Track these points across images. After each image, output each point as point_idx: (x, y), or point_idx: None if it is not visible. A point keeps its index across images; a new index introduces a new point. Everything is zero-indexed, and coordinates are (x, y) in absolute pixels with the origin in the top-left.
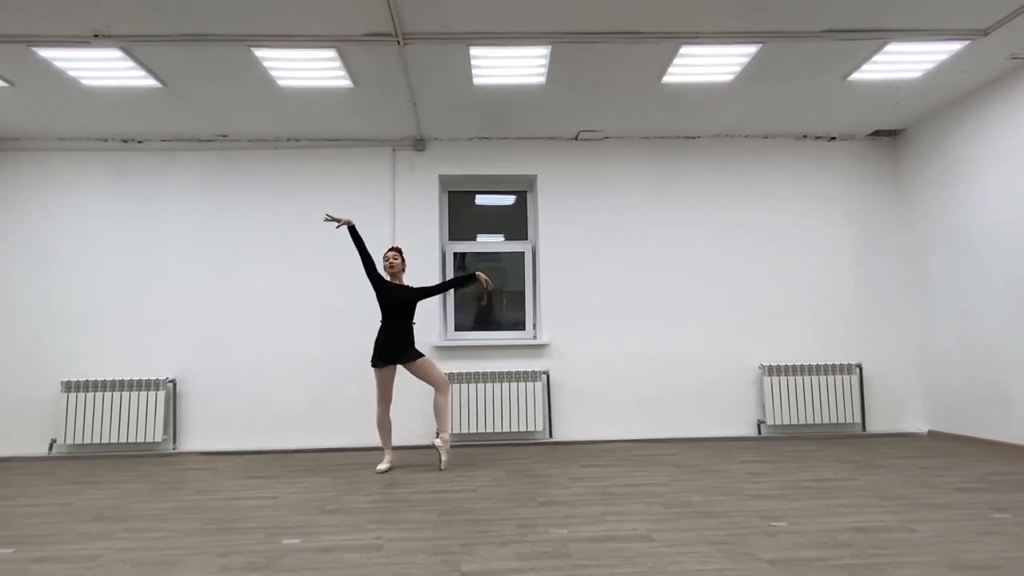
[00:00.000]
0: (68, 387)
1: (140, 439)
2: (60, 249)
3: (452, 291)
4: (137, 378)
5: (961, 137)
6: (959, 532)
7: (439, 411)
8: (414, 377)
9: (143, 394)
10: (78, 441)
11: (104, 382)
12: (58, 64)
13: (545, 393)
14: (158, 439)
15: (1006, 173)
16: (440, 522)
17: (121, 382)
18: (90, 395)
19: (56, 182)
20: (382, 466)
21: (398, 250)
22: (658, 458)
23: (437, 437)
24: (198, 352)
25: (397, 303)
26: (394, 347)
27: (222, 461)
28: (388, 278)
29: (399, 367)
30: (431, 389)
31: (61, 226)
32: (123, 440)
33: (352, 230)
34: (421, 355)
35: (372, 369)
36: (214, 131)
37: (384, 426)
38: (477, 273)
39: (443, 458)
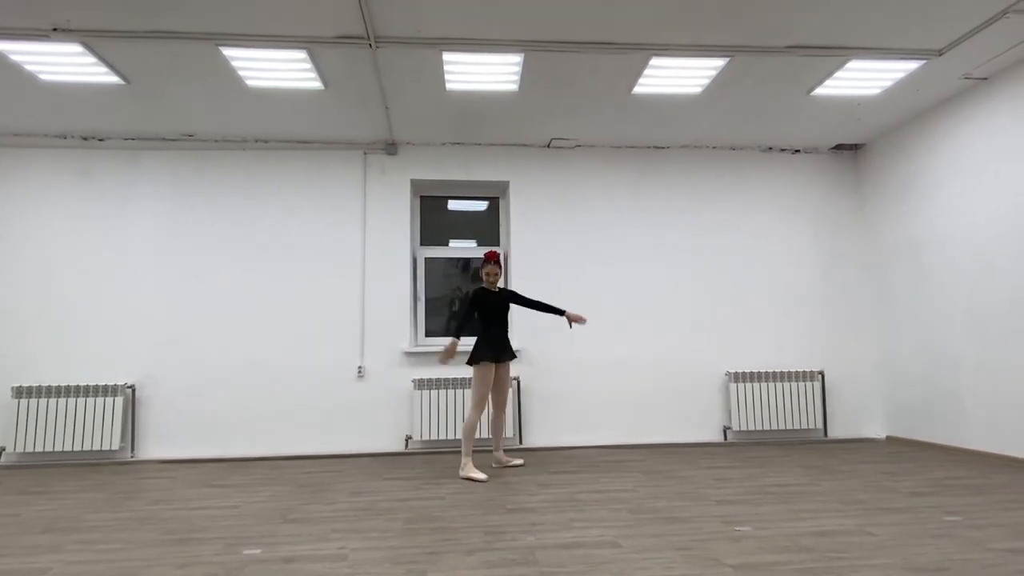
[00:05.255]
0: (19, 393)
1: (96, 447)
2: (14, 249)
3: (529, 309)
4: (94, 383)
5: (917, 153)
6: (913, 535)
7: (500, 430)
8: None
9: (100, 400)
10: (29, 449)
11: (59, 388)
12: (14, 58)
13: (515, 399)
14: (115, 447)
15: (958, 188)
16: (406, 530)
17: (77, 387)
18: (43, 401)
19: (11, 179)
20: (479, 475)
21: (497, 261)
22: (626, 464)
23: (498, 454)
24: (159, 357)
25: (494, 309)
26: (493, 347)
27: (182, 469)
28: (486, 287)
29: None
30: (401, 395)
31: (15, 225)
32: (77, 448)
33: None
34: (513, 356)
35: (472, 369)
36: (180, 130)
37: (474, 429)
38: (566, 313)
39: (514, 462)
